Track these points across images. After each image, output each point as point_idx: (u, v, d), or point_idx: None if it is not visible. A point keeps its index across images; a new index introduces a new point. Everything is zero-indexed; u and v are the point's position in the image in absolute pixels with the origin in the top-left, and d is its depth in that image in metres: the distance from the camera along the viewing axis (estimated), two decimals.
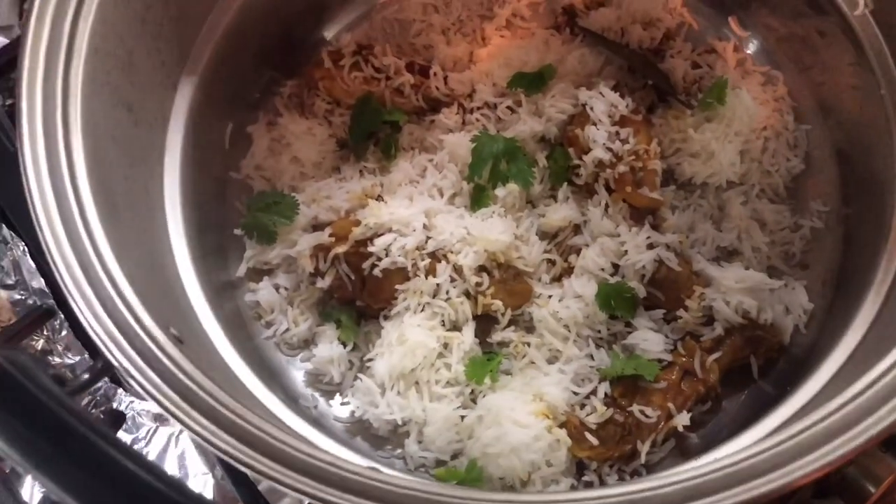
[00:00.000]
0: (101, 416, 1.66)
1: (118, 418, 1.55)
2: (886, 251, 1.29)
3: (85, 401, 1.72)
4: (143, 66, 1.32)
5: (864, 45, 1.41)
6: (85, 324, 0.95)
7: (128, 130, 1.26)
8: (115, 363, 0.93)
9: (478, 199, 1.53)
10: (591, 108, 1.50)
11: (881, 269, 1.28)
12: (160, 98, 1.40)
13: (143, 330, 0.98)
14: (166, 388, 0.93)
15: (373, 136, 1.63)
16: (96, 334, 0.94)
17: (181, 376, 0.95)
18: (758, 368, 1.42)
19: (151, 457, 1.67)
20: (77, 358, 1.69)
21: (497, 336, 1.49)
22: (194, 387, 0.95)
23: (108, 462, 0.70)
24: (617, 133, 1.49)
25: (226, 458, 0.89)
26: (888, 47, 1.37)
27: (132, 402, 1.65)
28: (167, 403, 0.91)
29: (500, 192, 1.52)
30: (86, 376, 0.94)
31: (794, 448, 0.94)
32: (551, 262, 1.52)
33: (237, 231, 1.53)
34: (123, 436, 1.69)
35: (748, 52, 1.66)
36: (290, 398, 1.43)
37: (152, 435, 1.69)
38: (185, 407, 0.92)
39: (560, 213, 1.51)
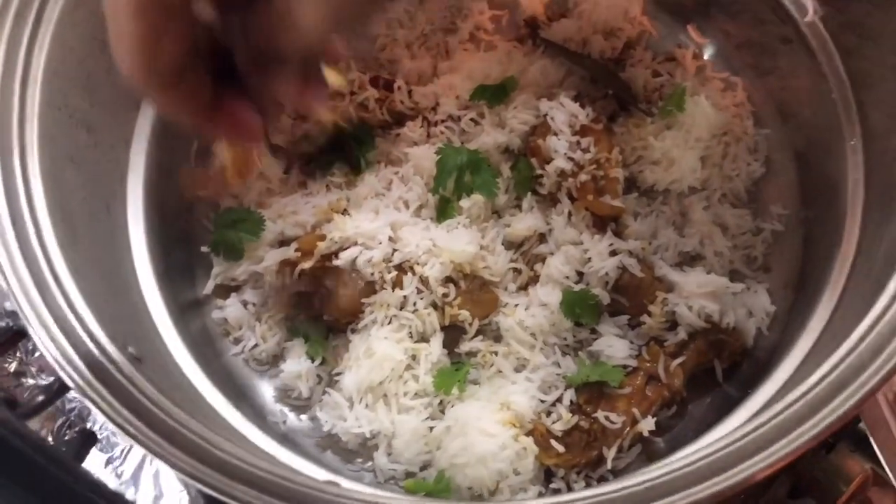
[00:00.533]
0: (73, 436, 1.66)
1: (89, 438, 1.55)
2: (840, 252, 1.30)
3: (59, 421, 1.73)
4: (103, 88, 1.32)
5: (815, 50, 1.43)
6: (38, 343, 0.96)
7: (87, 152, 1.27)
8: (70, 382, 0.94)
9: (443, 211, 1.54)
10: (552, 119, 1.52)
11: (835, 269, 1.29)
12: (122, 119, 1.40)
13: (99, 349, 0.99)
14: (120, 407, 0.93)
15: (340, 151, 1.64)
16: (49, 353, 0.95)
17: (137, 395, 0.96)
18: (722, 372, 1.43)
19: (126, 476, 1.67)
20: (51, 379, 1.69)
21: (465, 346, 1.50)
22: (150, 405, 0.95)
23: (53, 484, 0.70)
24: (578, 142, 1.50)
25: (180, 473, 0.89)
26: (837, 52, 1.40)
27: (106, 421, 1.65)
28: (121, 421, 0.92)
29: (465, 203, 1.53)
30: (41, 398, 0.94)
31: (749, 445, 0.95)
32: (517, 271, 1.54)
33: (204, 248, 1.54)
34: (98, 455, 1.70)
35: (707, 58, 1.68)
36: (259, 415, 1.43)
37: (127, 454, 1.69)
38: (139, 425, 0.92)
39: (525, 222, 1.53)
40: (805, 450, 0.95)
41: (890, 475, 1.26)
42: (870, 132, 1.34)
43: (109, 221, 1.32)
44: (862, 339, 0.93)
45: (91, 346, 0.98)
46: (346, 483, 1.19)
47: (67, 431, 1.73)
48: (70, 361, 0.95)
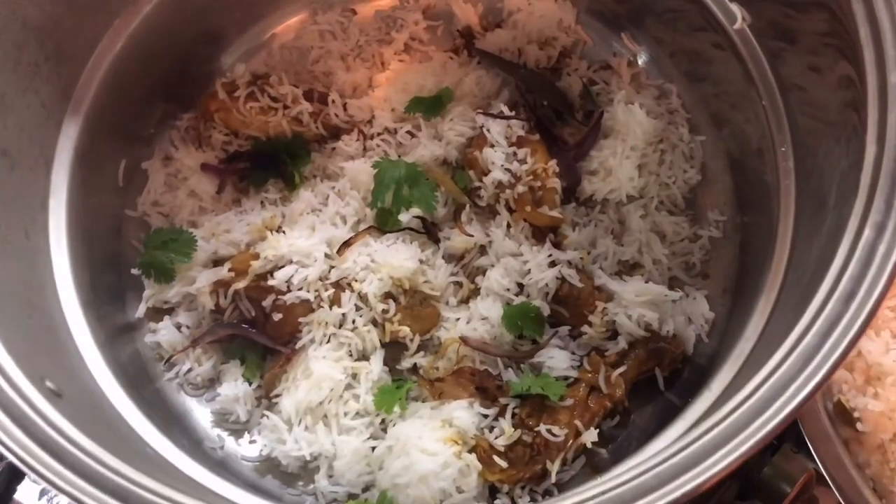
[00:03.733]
0: (2, 469, 1.59)
1: (17, 473, 1.49)
2: (775, 257, 1.31)
3: None
4: (19, 108, 1.28)
5: (745, 57, 1.44)
6: None
7: (3, 176, 1.22)
8: None
9: (385, 222, 1.52)
10: (488, 131, 1.51)
11: (770, 275, 1.30)
12: (41, 140, 1.35)
13: (11, 386, 0.94)
14: (33, 446, 0.89)
15: (274, 167, 1.60)
16: None
17: (51, 433, 0.91)
18: (663, 380, 1.43)
19: None
20: None
21: (406, 362, 1.47)
22: (65, 443, 0.91)
23: None
24: (514, 153, 1.49)
25: None
26: (766, 59, 1.41)
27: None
28: (32, 461, 0.88)
29: (403, 216, 1.51)
30: None
31: (693, 455, 0.95)
32: (458, 285, 1.52)
33: (135, 271, 1.49)
34: (31, 487, 1.63)
35: (641, 66, 1.68)
36: (194, 442, 1.39)
37: None
38: (52, 464, 0.88)
39: (464, 235, 1.51)
40: (747, 457, 0.95)
41: (829, 481, 1.28)
42: (798, 138, 1.35)
43: (28, 248, 1.27)
44: (794, 347, 0.93)
45: (2, 382, 0.93)
46: None
47: None
48: None
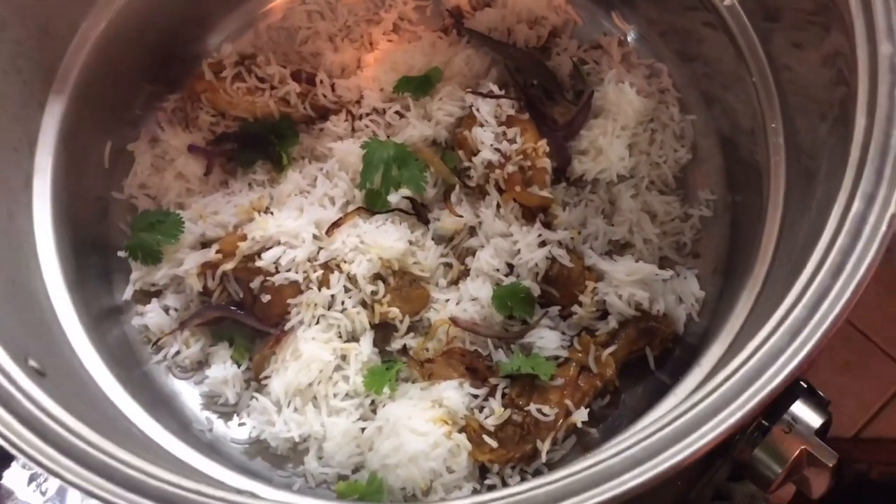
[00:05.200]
0: None
1: (6, 455, 1.48)
2: (764, 236, 1.31)
3: None
4: (1, 88, 1.25)
5: (736, 34, 1.43)
6: None
7: None
8: None
9: (374, 203, 1.51)
10: (478, 110, 1.50)
11: (760, 254, 1.29)
12: (24, 119, 1.33)
13: None
14: (16, 425, 0.88)
15: (262, 148, 1.59)
16: None
17: (36, 412, 0.90)
18: (654, 359, 1.42)
19: (51, 493, 1.59)
20: None
21: (396, 344, 1.47)
22: (51, 422, 0.90)
23: None
24: (504, 133, 1.48)
25: (82, 492, 0.84)
26: (756, 36, 1.40)
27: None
28: (16, 440, 0.87)
29: (392, 197, 1.50)
30: None
31: (678, 430, 0.94)
32: (448, 266, 1.51)
33: (121, 253, 1.47)
34: (20, 472, 1.62)
35: (632, 45, 1.67)
36: (182, 424, 1.38)
37: None
38: (37, 443, 0.87)
39: (454, 216, 1.50)
40: (735, 430, 0.95)
41: None
42: (788, 115, 1.34)
43: (12, 228, 1.25)
44: (778, 325, 0.93)
45: None
46: (267, 492, 1.15)
47: None
48: None
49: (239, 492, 0.92)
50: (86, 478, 0.86)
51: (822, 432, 1.34)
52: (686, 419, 0.95)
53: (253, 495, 0.91)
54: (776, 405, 1.27)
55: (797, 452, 1.35)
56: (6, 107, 1.27)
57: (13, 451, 0.85)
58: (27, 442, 0.87)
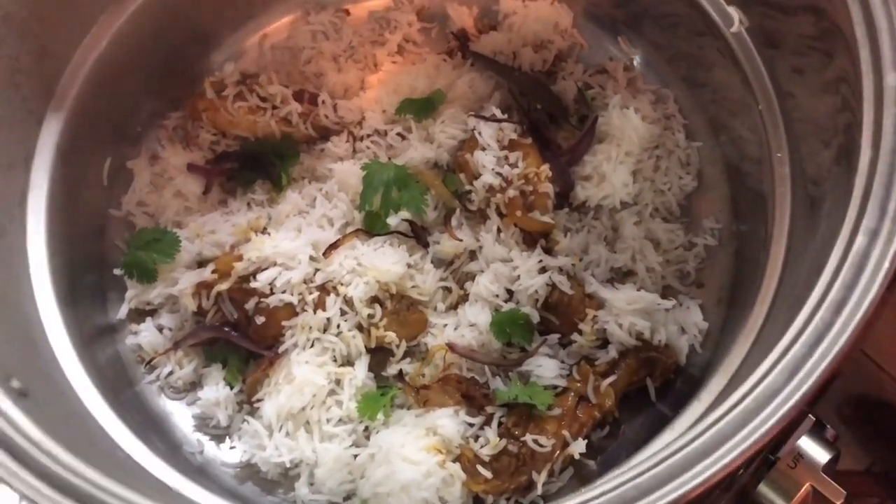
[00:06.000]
0: None
1: None
2: (769, 265, 1.28)
3: None
4: None
5: (742, 61, 1.41)
6: None
7: None
8: None
9: (374, 225, 1.49)
10: (480, 133, 1.48)
11: (764, 284, 1.27)
12: (21, 135, 1.33)
13: None
14: None
15: (261, 168, 1.57)
16: None
17: (12, 434, 0.88)
18: (655, 390, 1.39)
19: None
20: None
21: (392, 369, 1.44)
22: (28, 445, 0.88)
23: None
24: (506, 157, 1.46)
25: None
26: (763, 63, 1.38)
27: None
28: None
29: (392, 220, 1.48)
30: None
31: (676, 464, 0.93)
32: (447, 290, 1.49)
33: (117, 271, 1.46)
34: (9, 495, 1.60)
35: (638, 70, 1.65)
36: (172, 446, 1.36)
37: None
38: (11, 467, 0.85)
39: (454, 239, 1.48)
40: (731, 469, 0.92)
41: None
42: (794, 144, 1.32)
43: (3, 245, 1.24)
44: (780, 357, 0.90)
45: None
46: None
47: None
48: None
49: None
50: (57, 501, 0.84)
51: (829, 468, 1.30)
52: (682, 455, 0.93)
53: None
54: (781, 438, 1.24)
55: (803, 489, 1.32)
56: (3, 123, 1.27)
57: None
58: (3, 467, 0.84)
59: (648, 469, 0.94)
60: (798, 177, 1.29)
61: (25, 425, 0.91)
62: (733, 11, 1.41)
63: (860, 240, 0.89)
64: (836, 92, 1.10)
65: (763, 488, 1.36)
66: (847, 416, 1.62)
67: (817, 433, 1.31)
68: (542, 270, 1.42)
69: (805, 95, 1.25)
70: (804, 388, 0.86)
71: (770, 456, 1.31)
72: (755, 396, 0.89)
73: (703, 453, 0.92)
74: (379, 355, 1.45)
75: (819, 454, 1.30)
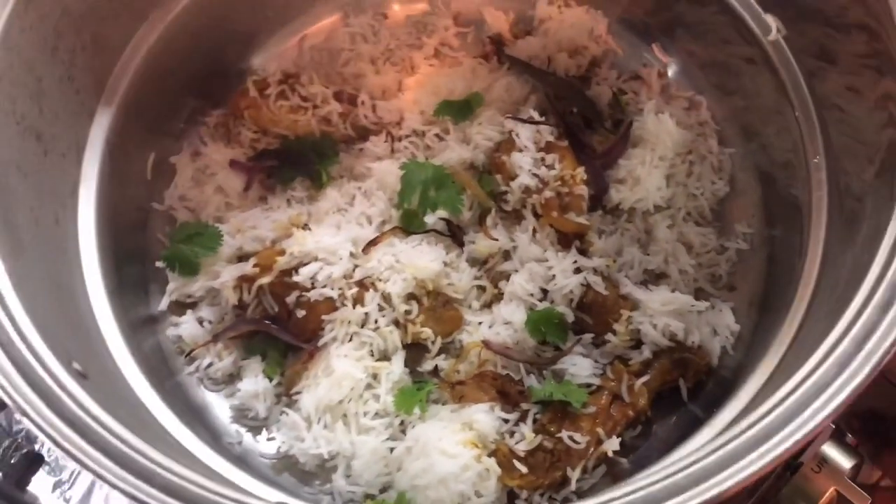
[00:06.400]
0: (19, 459, 1.59)
1: (35, 461, 1.49)
2: (804, 271, 1.30)
3: (6, 443, 1.66)
4: (55, 94, 1.28)
5: (779, 68, 1.44)
6: None
7: (36, 160, 1.23)
8: (6, 398, 0.89)
9: (411, 223, 1.52)
10: (517, 135, 1.51)
11: (800, 289, 1.29)
12: (74, 127, 1.36)
13: (41, 364, 0.94)
14: (61, 425, 0.89)
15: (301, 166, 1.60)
16: None
17: (79, 412, 0.91)
18: (687, 391, 1.41)
19: (75, 500, 1.60)
20: None
21: (427, 364, 1.46)
22: (93, 423, 0.91)
23: None
24: (542, 159, 1.49)
25: (121, 493, 0.84)
26: (800, 70, 1.40)
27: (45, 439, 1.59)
28: (60, 440, 0.87)
29: (429, 218, 1.51)
30: None
31: (712, 464, 0.93)
32: (481, 289, 1.51)
33: (159, 263, 1.49)
34: (45, 478, 1.62)
35: (671, 77, 1.68)
36: (214, 435, 1.38)
37: (76, 477, 1.62)
38: (80, 444, 0.87)
39: (489, 239, 1.50)
40: (773, 466, 0.93)
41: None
42: (832, 151, 1.34)
43: (58, 233, 1.27)
44: (824, 358, 0.92)
45: (31, 360, 0.93)
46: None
47: (14, 454, 1.66)
48: (7, 376, 0.90)
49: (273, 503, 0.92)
50: (127, 480, 0.86)
51: (852, 475, 1.32)
52: (724, 452, 0.94)
53: None
54: (805, 444, 1.26)
55: (827, 494, 1.33)
56: (59, 114, 1.30)
57: (59, 451, 0.86)
58: (71, 442, 0.87)
59: (686, 466, 0.95)
60: (835, 185, 1.31)
61: (89, 404, 0.93)
62: (771, 20, 1.43)
63: None
64: (884, 108, 1.12)
65: (786, 493, 1.37)
66: (856, 429, 1.63)
67: (839, 439, 1.33)
68: (577, 271, 1.44)
69: (853, 111, 1.27)
70: (853, 383, 0.88)
71: (793, 460, 1.32)
72: (804, 391, 0.90)
73: (749, 448, 0.92)
74: (414, 351, 1.47)
75: (843, 460, 1.31)
